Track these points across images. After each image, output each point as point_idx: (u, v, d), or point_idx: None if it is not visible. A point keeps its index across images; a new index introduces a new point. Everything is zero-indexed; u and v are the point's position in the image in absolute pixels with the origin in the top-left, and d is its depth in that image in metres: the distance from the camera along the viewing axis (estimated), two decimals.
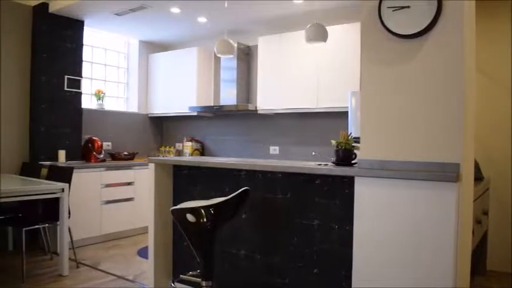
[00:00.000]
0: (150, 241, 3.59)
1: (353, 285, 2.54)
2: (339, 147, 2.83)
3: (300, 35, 5.04)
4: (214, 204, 2.62)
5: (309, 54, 5.01)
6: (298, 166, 2.80)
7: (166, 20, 5.44)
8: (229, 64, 5.81)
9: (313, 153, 4.90)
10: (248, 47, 5.92)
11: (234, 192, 2.75)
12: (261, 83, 5.44)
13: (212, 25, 5.57)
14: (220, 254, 3.32)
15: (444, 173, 2.23)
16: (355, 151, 2.82)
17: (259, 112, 5.48)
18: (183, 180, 3.61)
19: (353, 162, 2.81)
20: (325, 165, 2.84)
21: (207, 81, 6.28)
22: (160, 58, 6.60)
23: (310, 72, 5.00)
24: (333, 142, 2.88)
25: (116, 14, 5.23)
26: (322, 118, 5.26)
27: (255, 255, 3.14)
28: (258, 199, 3.11)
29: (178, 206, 2.72)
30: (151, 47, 6.81)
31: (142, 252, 4.72)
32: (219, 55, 4.29)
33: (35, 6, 5.17)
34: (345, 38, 4.74)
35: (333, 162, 2.87)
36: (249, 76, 5.95)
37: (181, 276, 3.04)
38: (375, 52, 2.56)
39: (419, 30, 2.38)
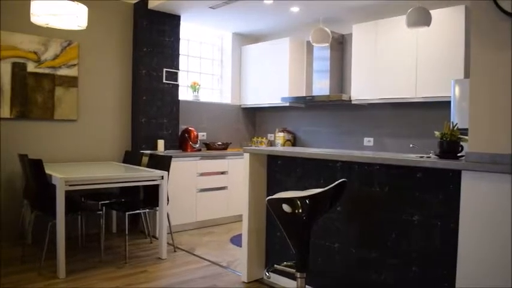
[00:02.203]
0: (244, 229, 3.65)
1: (457, 286, 2.38)
2: (444, 138, 2.66)
3: (397, 21, 4.81)
4: (310, 195, 2.58)
5: (407, 41, 4.76)
6: (398, 158, 2.66)
7: (259, 11, 5.47)
8: (322, 54, 5.71)
9: (411, 145, 4.67)
10: (342, 35, 5.78)
11: (328, 184, 2.69)
12: (355, 73, 5.29)
13: (304, 15, 5.50)
14: (314, 246, 3.28)
15: None
16: (461, 143, 2.63)
17: (353, 102, 5.33)
18: (277, 171, 3.61)
19: (459, 155, 2.62)
20: (427, 157, 2.68)
21: (299, 71, 6.23)
22: (252, 50, 6.67)
23: (409, 60, 4.75)
24: (437, 133, 2.71)
25: (210, 8, 5.35)
26: (420, 108, 4.99)
27: (350, 249, 3.07)
28: (354, 191, 3.03)
29: (274, 196, 2.72)
30: (244, 39, 6.90)
31: (236, 240, 4.82)
32: (314, 44, 4.24)
33: (135, 3, 5.45)
34: (447, 22, 4.43)
35: (436, 155, 2.70)
36: (343, 66, 5.81)
37: (275, 265, 3.04)
38: (487, 36, 2.35)
39: None
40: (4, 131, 4.55)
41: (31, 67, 4.67)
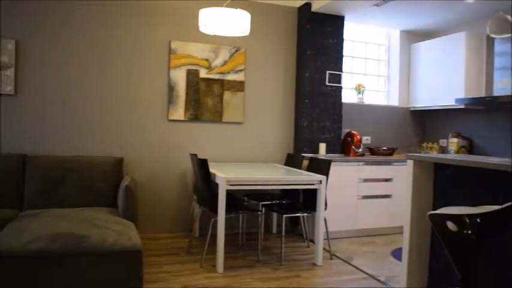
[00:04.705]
0: (404, 243, 3.35)
1: None
2: None
3: None
4: (483, 213, 2.21)
5: None
6: None
7: (429, 4, 5.01)
8: (505, 48, 4.97)
9: None
10: None
11: (508, 201, 2.27)
12: None
13: (482, 4, 4.86)
14: (485, 273, 2.83)
15: None
16: None
17: None
18: (445, 181, 3.22)
19: None
20: None
21: (478, 69, 5.55)
22: (423, 47, 6.17)
23: None
24: None
25: (375, 6, 5.08)
26: None
27: None
28: None
29: (437, 211, 2.40)
30: (414, 37, 6.43)
31: (397, 254, 4.49)
32: (492, 35, 3.68)
33: (299, 7, 5.49)
34: None
35: None
36: None
37: None
38: None
39: None
40: (177, 131, 4.99)
41: (203, 73, 5.03)
